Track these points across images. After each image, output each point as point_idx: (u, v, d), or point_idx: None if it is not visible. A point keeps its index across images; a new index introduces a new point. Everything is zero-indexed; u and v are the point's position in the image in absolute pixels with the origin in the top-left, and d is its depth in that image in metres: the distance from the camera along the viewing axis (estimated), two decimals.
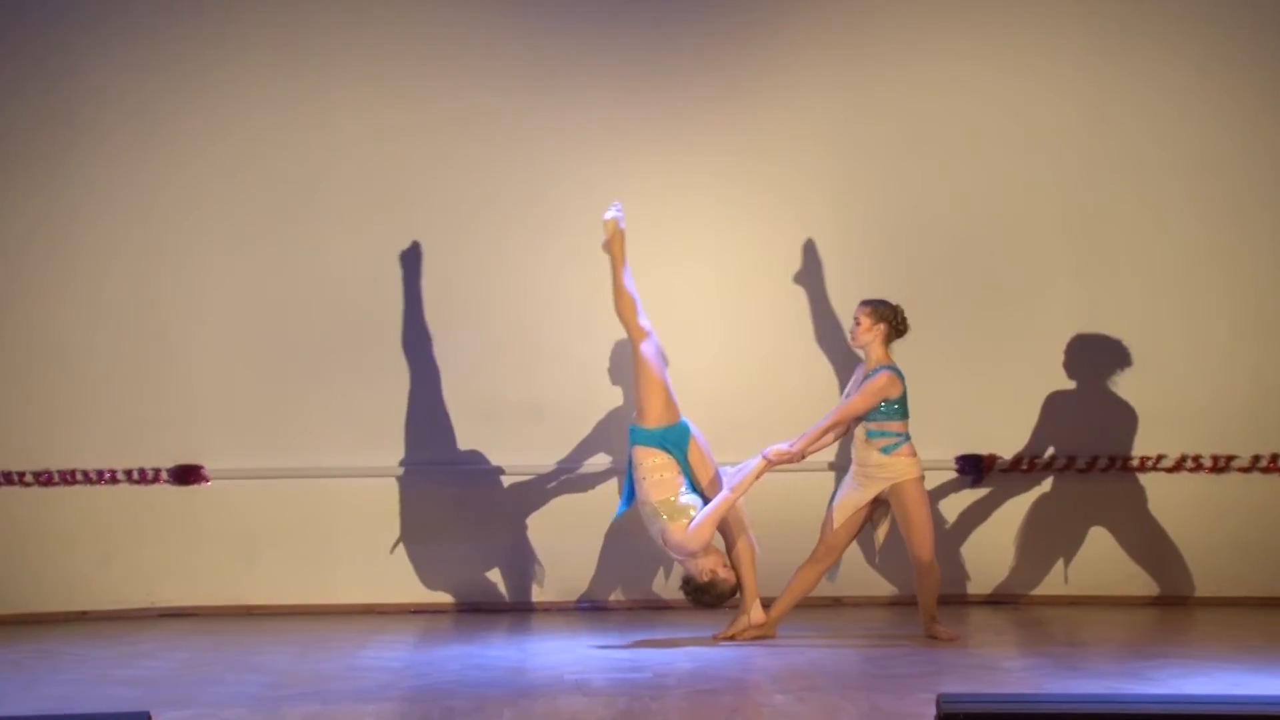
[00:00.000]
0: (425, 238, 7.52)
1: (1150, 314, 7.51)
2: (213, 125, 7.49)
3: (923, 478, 6.48)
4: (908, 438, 6.48)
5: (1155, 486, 7.46)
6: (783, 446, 6.45)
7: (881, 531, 6.56)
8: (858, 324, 6.52)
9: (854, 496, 6.48)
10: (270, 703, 5.43)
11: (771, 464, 6.45)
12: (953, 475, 7.49)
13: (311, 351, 7.50)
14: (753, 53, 7.53)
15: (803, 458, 6.52)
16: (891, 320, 6.50)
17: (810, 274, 7.53)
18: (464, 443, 7.50)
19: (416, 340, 7.52)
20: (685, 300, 7.50)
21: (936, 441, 7.45)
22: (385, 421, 7.50)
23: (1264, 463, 7.45)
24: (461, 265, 7.51)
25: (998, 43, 7.52)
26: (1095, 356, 7.51)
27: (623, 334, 6.82)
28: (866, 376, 6.50)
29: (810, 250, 7.52)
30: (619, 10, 7.55)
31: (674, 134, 7.53)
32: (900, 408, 6.47)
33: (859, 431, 6.49)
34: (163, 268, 7.51)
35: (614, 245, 6.57)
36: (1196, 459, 7.47)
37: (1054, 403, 7.51)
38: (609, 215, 6.58)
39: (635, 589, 7.49)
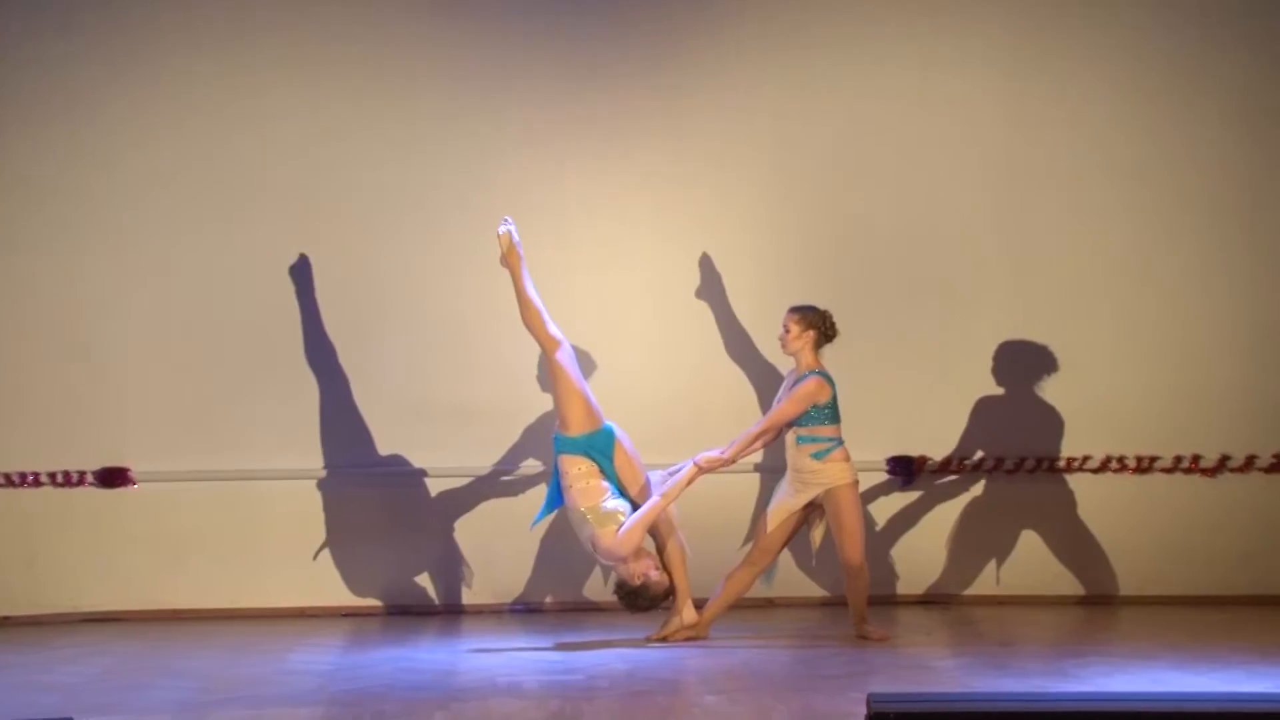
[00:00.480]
0: (353, 240, 7.46)
1: (1078, 317, 7.61)
2: (139, 127, 7.40)
3: (857, 482, 6.53)
4: (840, 442, 6.52)
5: (1081, 488, 7.57)
6: (714, 453, 6.48)
7: (817, 535, 6.60)
8: (787, 331, 6.55)
9: (788, 502, 6.51)
10: (197, 708, 5.36)
11: (703, 471, 6.47)
12: (884, 477, 7.55)
13: (239, 354, 7.42)
14: (689, 56, 7.54)
15: (733, 463, 6.55)
16: (820, 326, 6.53)
17: (739, 279, 7.56)
18: (392, 446, 7.45)
19: (344, 343, 7.46)
20: (621, 303, 7.51)
21: (868, 443, 7.50)
22: (314, 424, 7.44)
23: (1186, 464, 7.57)
24: (390, 268, 7.46)
25: (930, 49, 7.59)
26: (1024, 360, 7.60)
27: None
28: (796, 382, 6.54)
29: (742, 255, 7.55)
30: (556, 12, 7.53)
31: (610, 137, 7.52)
32: (830, 413, 6.51)
33: (790, 437, 6.52)
34: (89, 270, 7.40)
35: (509, 260, 6.58)
36: (1121, 460, 7.58)
37: (984, 405, 7.59)
38: (501, 230, 6.58)
39: (568, 591, 7.47)
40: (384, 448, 7.46)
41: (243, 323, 7.43)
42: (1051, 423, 7.57)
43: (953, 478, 7.57)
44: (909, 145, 7.58)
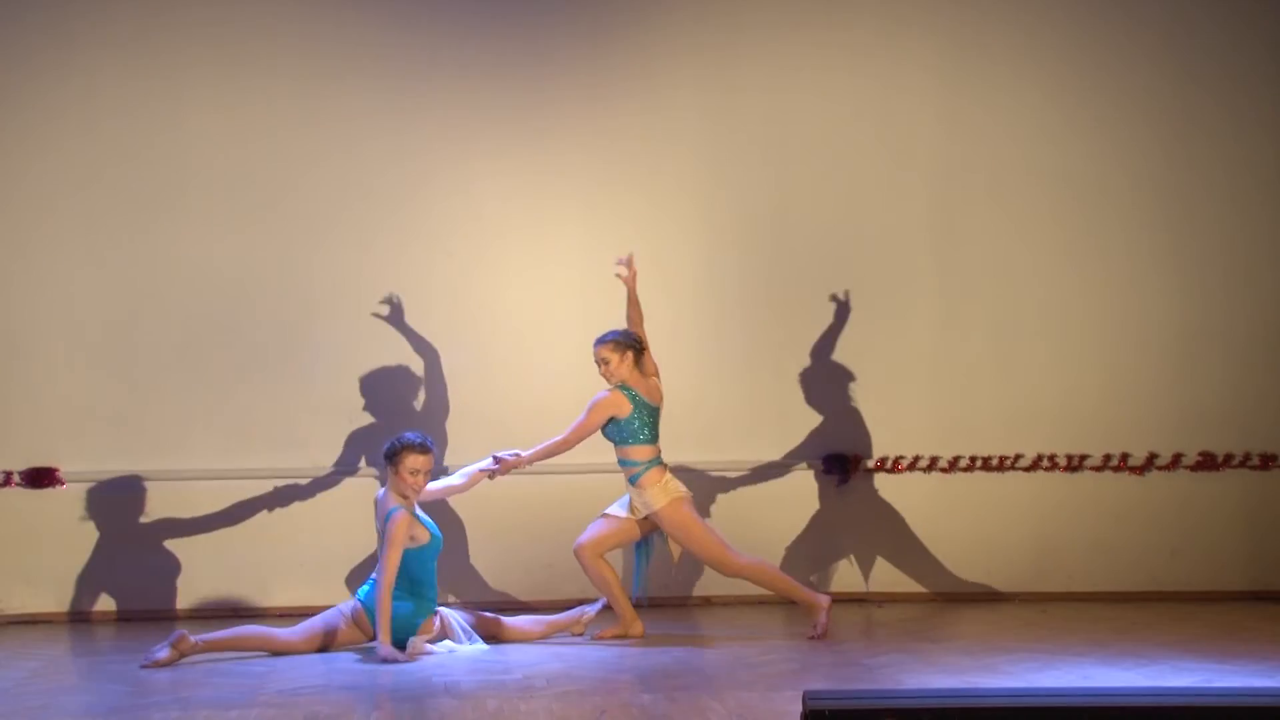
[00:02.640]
0: (287, 239, 7.41)
1: (1008, 316, 7.71)
2: (68, 123, 7.31)
3: (681, 499, 6.45)
4: (654, 463, 6.47)
5: (1013, 485, 7.66)
6: (510, 454, 6.46)
7: (674, 548, 6.56)
8: (606, 364, 6.45)
9: (614, 514, 6.52)
10: (128, 711, 5.30)
11: (500, 467, 6.46)
12: (819, 475, 7.60)
13: (169, 354, 7.35)
14: (615, 56, 7.55)
15: (529, 464, 6.51)
16: (632, 345, 6.49)
17: (676, 276, 7.58)
18: (326, 446, 7.40)
19: (279, 343, 7.40)
20: (548, 303, 7.50)
21: (803, 443, 7.58)
22: (245, 424, 7.37)
23: (1115, 462, 7.69)
24: (324, 267, 7.42)
25: (857, 49, 7.65)
26: (954, 360, 7.68)
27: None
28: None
29: (673, 256, 7.56)
30: (482, 8, 7.51)
31: (535, 135, 7.50)
32: (639, 431, 6.45)
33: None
34: (16, 267, 7.30)
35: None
36: (1052, 459, 7.69)
37: (917, 405, 7.66)
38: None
39: (503, 590, 7.46)
40: (315, 448, 7.40)
41: (172, 322, 7.36)
42: (984, 422, 7.66)
43: (887, 476, 7.64)
44: (837, 147, 7.63)
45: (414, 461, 6.23)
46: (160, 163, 7.35)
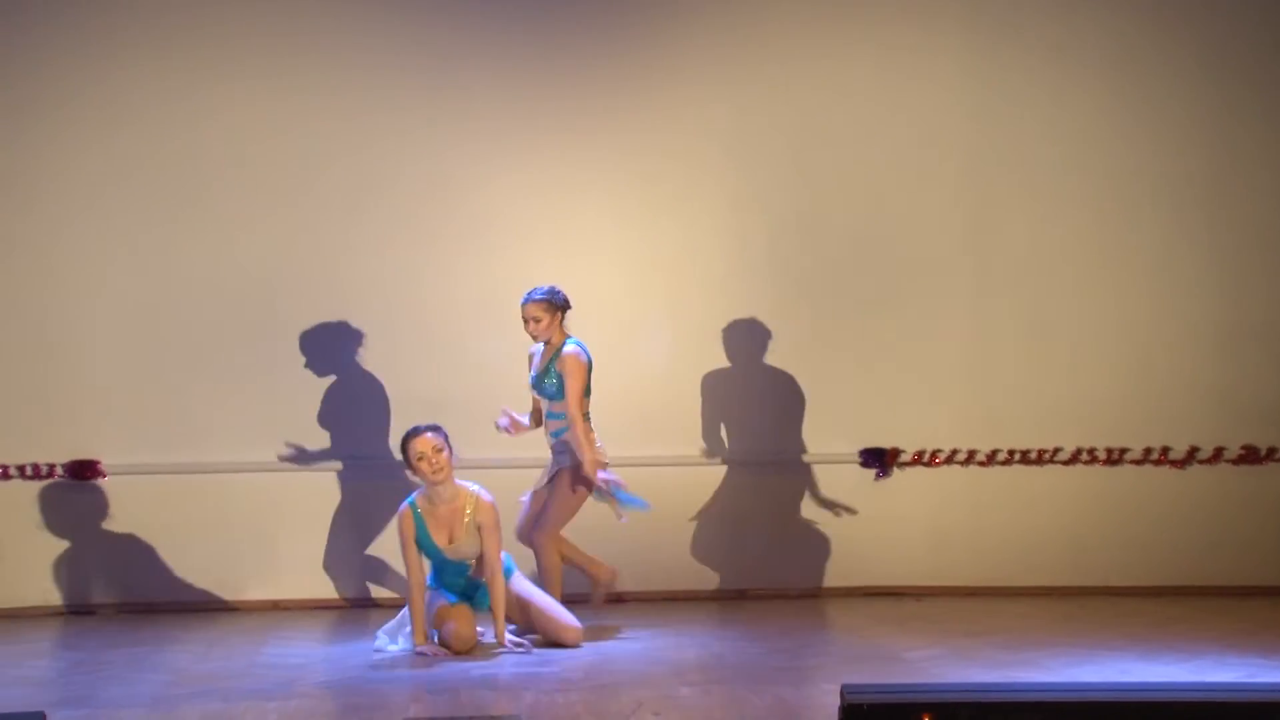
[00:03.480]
0: (318, 232, 7.44)
1: (1045, 308, 7.65)
2: (99, 122, 7.35)
3: (599, 461, 6.40)
4: (587, 418, 6.45)
5: (1052, 478, 7.61)
6: (598, 471, 6.37)
7: (615, 509, 6.47)
8: (538, 322, 6.40)
9: (542, 481, 6.52)
10: (169, 702, 5.35)
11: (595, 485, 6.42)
12: (857, 468, 7.58)
13: (208, 346, 7.39)
14: (643, 51, 7.53)
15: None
16: (563, 303, 6.47)
17: (708, 272, 7.57)
18: (361, 438, 7.43)
19: (309, 336, 7.43)
20: (576, 299, 7.47)
21: (840, 435, 7.56)
22: (283, 416, 7.41)
23: (1155, 455, 7.63)
24: (354, 261, 7.43)
25: (887, 43, 7.59)
26: (994, 351, 7.64)
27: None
28: (555, 356, 6.43)
29: (703, 251, 7.54)
30: (508, 3, 7.51)
31: (563, 131, 7.49)
32: (588, 386, 6.46)
33: (545, 407, 6.47)
34: (52, 266, 7.36)
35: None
36: (1091, 452, 7.64)
37: (954, 398, 7.63)
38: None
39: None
40: (355, 440, 7.44)
41: (205, 316, 7.39)
42: (1022, 415, 7.62)
43: (925, 469, 7.61)
44: (868, 141, 7.58)
45: (417, 447, 6.16)
46: (190, 159, 7.38)
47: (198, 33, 7.38)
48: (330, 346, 7.44)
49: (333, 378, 7.45)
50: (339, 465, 7.43)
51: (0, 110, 7.31)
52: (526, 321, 6.46)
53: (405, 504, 6.22)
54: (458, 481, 6.23)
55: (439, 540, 6.19)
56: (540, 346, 6.56)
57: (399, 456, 6.37)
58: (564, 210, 7.53)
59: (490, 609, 6.19)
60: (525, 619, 6.28)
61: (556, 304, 6.46)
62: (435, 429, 6.20)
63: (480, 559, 6.19)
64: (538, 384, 6.53)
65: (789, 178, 7.59)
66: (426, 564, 6.20)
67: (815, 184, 7.60)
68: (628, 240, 7.56)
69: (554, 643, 6.19)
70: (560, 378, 6.43)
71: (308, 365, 7.43)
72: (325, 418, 7.43)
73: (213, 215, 7.41)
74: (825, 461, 7.55)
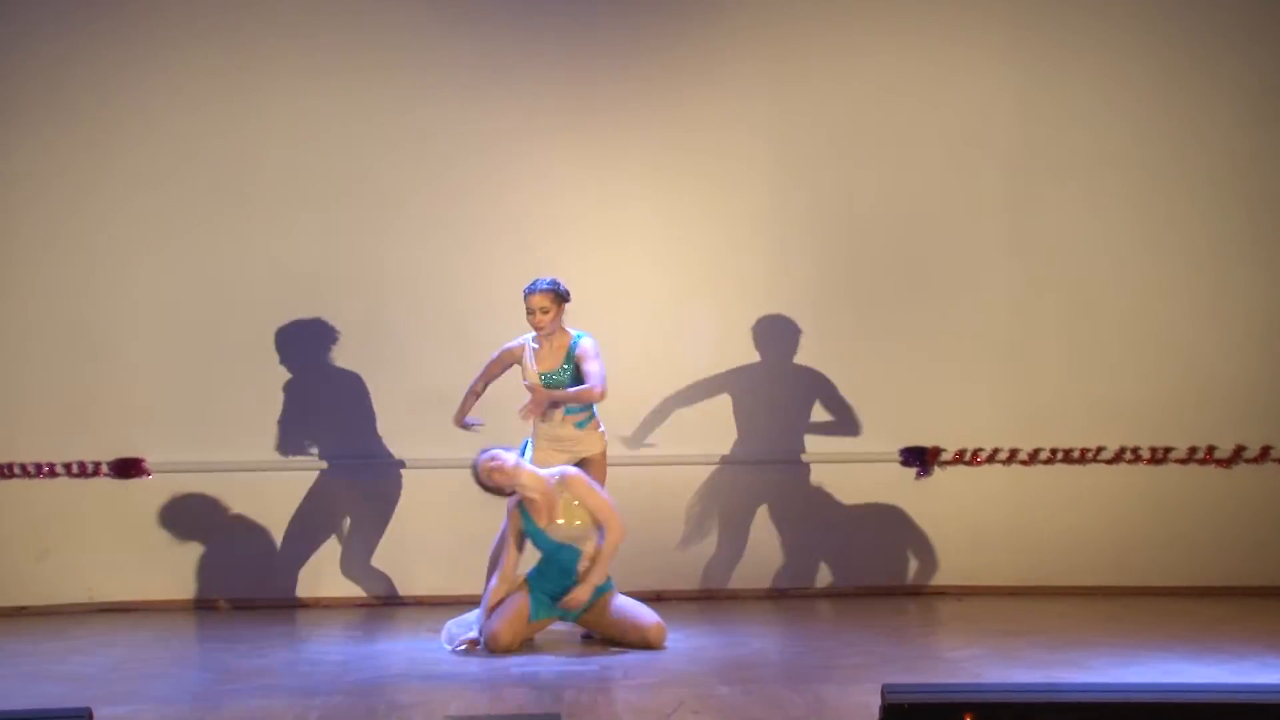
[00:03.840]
0: (360, 230, 7.47)
1: (1089, 309, 7.60)
2: (144, 120, 7.41)
3: (606, 452, 6.53)
4: (596, 413, 6.50)
5: (1095, 478, 7.56)
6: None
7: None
8: (545, 313, 6.37)
9: (555, 462, 6.46)
10: (213, 698, 5.39)
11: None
12: (897, 467, 7.55)
13: (251, 343, 7.44)
14: (687, 46, 7.52)
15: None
16: (566, 295, 6.46)
17: (751, 266, 7.56)
18: (402, 436, 7.46)
19: (353, 334, 7.47)
20: (620, 292, 7.50)
21: (881, 434, 7.53)
22: (326, 414, 7.46)
23: (1200, 455, 7.56)
24: (394, 259, 7.47)
25: (928, 33, 7.55)
26: (1035, 349, 7.59)
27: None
28: (569, 350, 6.41)
29: (746, 246, 7.53)
30: (551, 7, 7.52)
31: (606, 126, 7.50)
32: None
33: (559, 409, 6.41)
34: (101, 259, 7.43)
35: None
36: (1135, 451, 7.57)
37: (995, 397, 7.58)
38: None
39: None
40: (391, 439, 7.47)
41: (249, 314, 7.44)
42: (1065, 413, 7.56)
43: (966, 468, 7.57)
44: (910, 133, 7.55)
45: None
46: (234, 157, 7.43)
47: (238, 33, 7.43)
48: (368, 345, 7.47)
49: (376, 374, 7.47)
50: (373, 463, 7.45)
51: (43, 112, 7.38)
52: (532, 312, 6.43)
53: (514, 502, 6.26)
54: (543, 471, 6.28)
55: (542, 522, 6.23)
56: (533, 347, 6.50)
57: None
58: (605, 207, 7.53)
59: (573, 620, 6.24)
60: (604, 626, 6.27)
61: (561, 295, 6.45)
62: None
63: (590, 547, 6.20)
64: (552, 384, 6.49)
65: (831, 174, 7.56)
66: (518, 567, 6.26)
67: (858, 181, 7.57)
68: (669, 237, 7.55)
69: (641, 644, 6.16)
70: (575, 368, 6.43)
71: (346, 364, 7.47)
72: (369, 414, 7.46)
73: (255, 215, 7.46)
74: (865, 460, 7.52)
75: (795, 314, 7.56)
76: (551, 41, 7.51)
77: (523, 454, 6.54)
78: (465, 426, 6.67)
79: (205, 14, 7.43)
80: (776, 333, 7.55)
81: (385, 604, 7.42)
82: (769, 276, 7.56)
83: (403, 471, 7.47)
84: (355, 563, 7.43)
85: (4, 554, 7.30)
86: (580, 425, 6.51)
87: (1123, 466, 7.56)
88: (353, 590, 7.43)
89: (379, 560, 7.46)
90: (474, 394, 6.68)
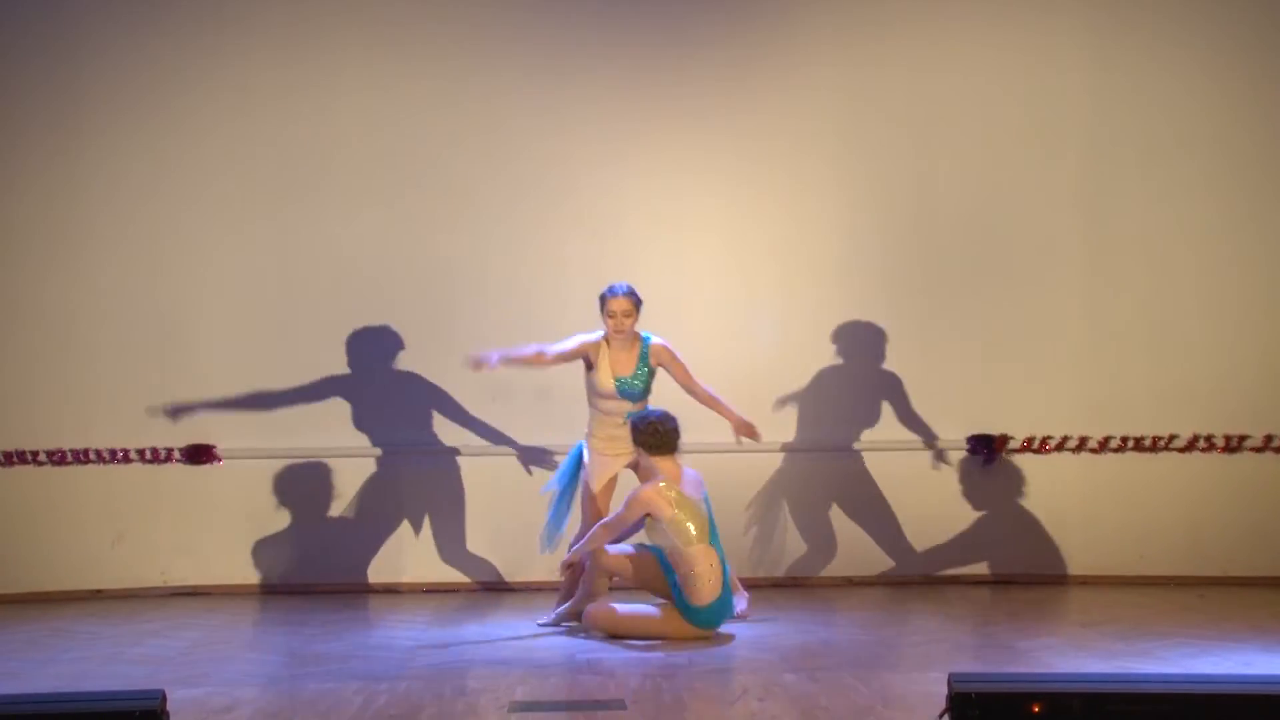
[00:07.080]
0: (431, 219, 7.51)
1: (1160, 292, 7.49)
2: (221, 109, 7.48)
3: None
4: None
5: (1167, 466, 7.45)
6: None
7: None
8: (629, 317, 6.35)
9: (612, 464, 6.43)
10: (283, 681, 5.45)
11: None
12: (964, 455, 7.48)
13: (321, 332, 7.50)
14: (757, 34, 7.49)
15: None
16: (641, 301, 6.46)
17: (819, 256, 7.52)
18: (470, 423, 7.50)
19: (422, 322, 7.51)
20: (690, 280, 7.48)
21: (948, 422, 7.47)
22: (396, 402, 7.51)
23: (1276, 443, 7.43)
24: (465, 246, 7.50)
25: (1003, 22, 7.49)
26: (1107, 336, 7.49)
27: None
28: (643, 354, 6.40)
29: (818, 236, 7.50)
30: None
31: (677, 115, 7.48)
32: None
33: (621, 406, 6.36)
34: (174, 248, 7.52)
35: None
36: (1209, 439, 7.46)
37: (1065, 384, 7.50)
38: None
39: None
40: (463, 426, 7.50)
41: (320, 301, 7.49)
42: (1136, 401, 7.46)
43: (1035, 456, 7.49)
44: (983, 123, 7.49)
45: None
46: (310, 146, 7.49)
47: (320, 20, 7.47)
48: (437, 335, 7.50)
49: (446, 362, 7.50)
50: (433, 451, 7.49)
51: (119, 105, 7.47)
52: (614, 315, 6.38)
53: (650, 487, 6.15)
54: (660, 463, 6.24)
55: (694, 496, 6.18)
56: (601, 347, 6.42)
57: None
58: (673, 196, 7.52)
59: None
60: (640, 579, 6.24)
61: (639, 300, 6.45)
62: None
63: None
64: (628, 387, 6.43)
65: (902, 163, 7.51)
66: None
67: (928, 168, 7.50)
68: (739, 227, 7.53)
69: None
70: (650, 372, 6.42)
71: (415, 353, 7.52)
72: (439, 402, 7.50)
73: (324, 206, 7.52)
74: (932, 448, 7.46)
75: (864, 304, 7.51)
76: (623, 31, 7.50)
77: (578, 455, 6.56)
78: (485, 361, 6.47)
79: (275, 8, 7.48)
80: (845, 323, 7.50)
81: (463, 590, 7.45)
82: (839, 264, 7.51)
83: (480, 459, 7.47)
84: (449, 549, 7.45)
85: (80, 538, 7.43)
86: None
87: (1196, 455, 7.45)
88: (427, 576, 7.48)
89: (456, 546, 7.49)
90: (534, 362, 6.52)
